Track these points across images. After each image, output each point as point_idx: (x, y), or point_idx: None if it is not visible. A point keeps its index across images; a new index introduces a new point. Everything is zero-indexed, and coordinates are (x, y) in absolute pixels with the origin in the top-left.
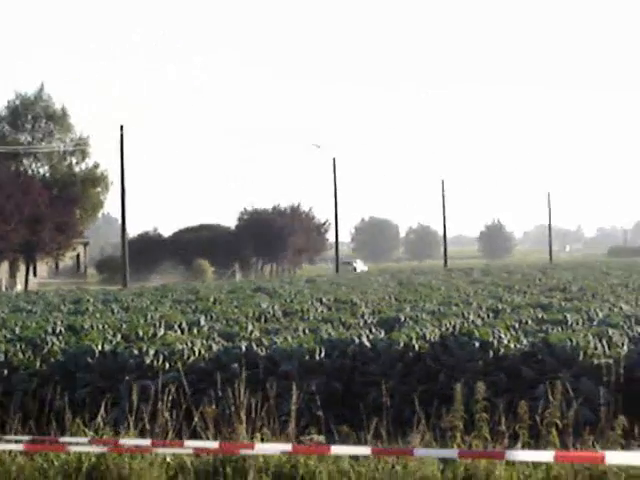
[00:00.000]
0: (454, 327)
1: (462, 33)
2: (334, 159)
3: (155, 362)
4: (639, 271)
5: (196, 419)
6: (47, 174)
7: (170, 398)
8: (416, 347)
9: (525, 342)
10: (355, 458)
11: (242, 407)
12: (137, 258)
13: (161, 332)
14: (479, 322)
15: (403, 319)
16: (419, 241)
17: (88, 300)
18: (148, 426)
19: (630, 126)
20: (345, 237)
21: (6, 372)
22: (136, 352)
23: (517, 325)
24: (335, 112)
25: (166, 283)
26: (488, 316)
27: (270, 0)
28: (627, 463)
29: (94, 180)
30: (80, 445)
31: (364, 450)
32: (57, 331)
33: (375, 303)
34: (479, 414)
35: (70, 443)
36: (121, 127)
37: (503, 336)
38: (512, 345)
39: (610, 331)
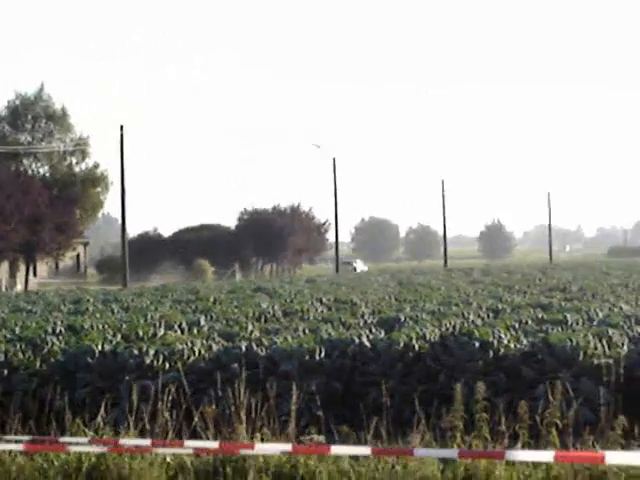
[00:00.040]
0: (454, 327)
1: (461, 32)
2: (334, 159)
3: (155, 362)
4: (639, 271)
5: (196, 419)
6: (47, 174)
7: (170, 398)
8: (416, 347)
9: (525, 342)
10: (355, 458)
11: (242, 407)
12: (137, 258)
13: (161, 332)
14: (479, 322)
15: (403, 319)
16: (419, 241)
17: (88, 300)
18: (148, 426)
19: (630, 126)
20: (345, 237)
21: (6, 372)
22: (136, 352)
23: (517, 325)
24: (335, 112)
25: (166, 283)
26: (488, 316)
27: (270, 0)
28: (627, 463)
29: (94, 180)
30: (80, 445)
31: (364, 450)
32: (57, 331)
33: (375, 303)
34: (479, 414)
35: (70, 443)
36: (121, 127)
37: (503, 336)
38: (512, 345)
39: (610, 331)
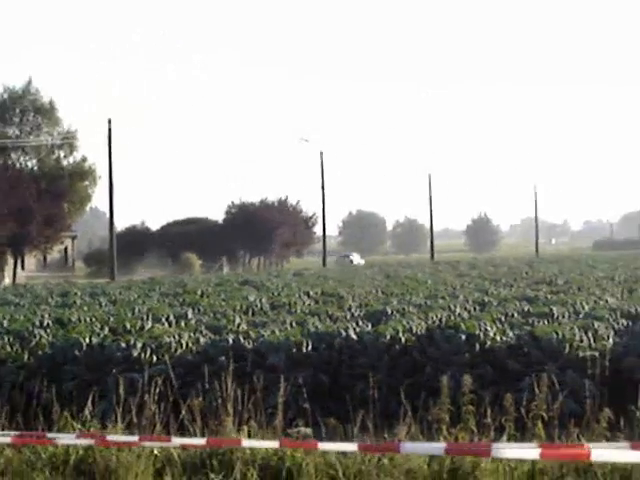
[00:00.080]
0: (440, 320)
1: (447, 26)
2: (321, 153)
3: (142, 355)
4: (624, 264)
5: (183, 412)
6: (35, 167)
7: (157, 391)
8: (403, 340)
9: (511, 335)
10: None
11: (229, 400)
12: (125, 251)
13: (148, 325)
14: (465, 315)
15: (390, 312)
16: (406, 235)
17: (76, 293)
18: (135, 419)
19: (617, 120)
20: (332, 230)
21: None
22: (123, 345)
23: (503, 318)
24: (322, 106)
25: (154, 276)
26: (474, 309)
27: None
28: (612, 460)
29: (82, 174)
30: (68, 438)
31: (350, 447)
32: (45, 324)
33: (362, 296)
34: (465, 407)
35: (57, 438)
36: (109, 121)
37: (489, 329)
38: (498, 338)
39: (596, 324)
